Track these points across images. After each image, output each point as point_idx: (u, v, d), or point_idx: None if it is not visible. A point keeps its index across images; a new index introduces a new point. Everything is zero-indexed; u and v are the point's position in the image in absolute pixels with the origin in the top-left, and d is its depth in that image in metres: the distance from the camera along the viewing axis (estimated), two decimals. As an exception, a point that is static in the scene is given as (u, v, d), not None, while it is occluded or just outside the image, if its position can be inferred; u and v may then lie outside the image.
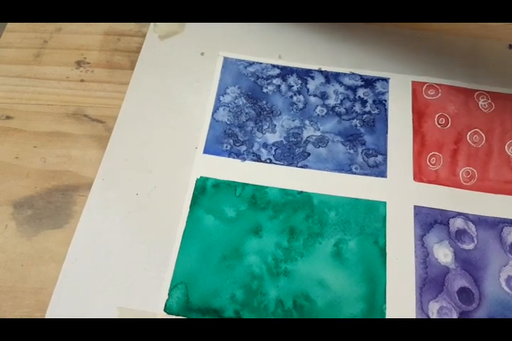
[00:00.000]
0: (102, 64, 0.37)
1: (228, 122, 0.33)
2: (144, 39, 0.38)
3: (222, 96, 0.34)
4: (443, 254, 0.29)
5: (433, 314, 0.26)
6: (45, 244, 0.29)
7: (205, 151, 0.32)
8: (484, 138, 0.34)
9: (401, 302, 0.27)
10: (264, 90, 0.35)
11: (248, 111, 0.34)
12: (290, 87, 0.35)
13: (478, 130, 0.34)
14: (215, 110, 0.34)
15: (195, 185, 0.31)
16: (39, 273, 0.28)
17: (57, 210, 0.31)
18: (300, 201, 0.31)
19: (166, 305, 0.26)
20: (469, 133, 0.34)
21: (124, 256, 0.28)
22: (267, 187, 0.31)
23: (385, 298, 0.27)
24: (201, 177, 0.31)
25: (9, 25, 0.38)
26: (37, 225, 0.30)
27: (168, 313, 0.26)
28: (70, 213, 0.30)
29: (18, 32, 0.38)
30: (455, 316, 0.26)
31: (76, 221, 0.30)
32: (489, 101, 0.35)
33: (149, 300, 0.26)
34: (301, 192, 0.31)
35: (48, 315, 0.26)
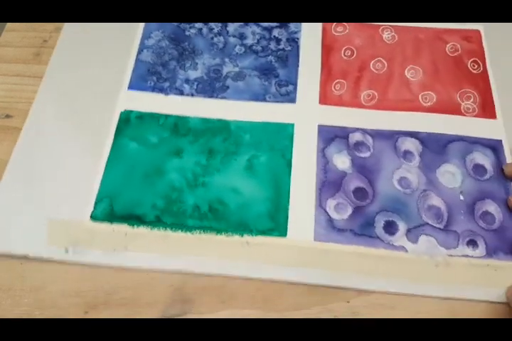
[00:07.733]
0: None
1: (152, 62, 0.36)
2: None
3: (147, 39, 0.38)
4: (341, 161, 0.32)
5: (330, 209, 0.30)
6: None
7: (130, 87, 0.35)
8: (386, 65, 0.37)
9: (303, 201, 0.31)
10: (187, 33, 0.38)
11: (171, 52, 0.37)
12: (211, 29, 0.38)
13: (381, 58, 0.37)
14: (140, 52, 0.37)
15: (120, 117, 0.34)
16: (38, 272, 0.28)
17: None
18: (219, 127, 0.34)
19: (92, 215, 0.30)
20: (373, 61, 0.37)
21: (57, 170, 0.32)
22: (188, 116, 0.34)
23: (289, 198, 0.31)
24: (125, 110, 0.34)
25: (9, 24, 0.39)
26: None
27: (94, 220, 0.30)
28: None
29: (18, 31, 0.39)
30: (350, 210, 0.30)
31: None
32: (393, 33, 0.39)
33: (76, 211, 0.30)
34: (220, 119, 0.34)
35: None
